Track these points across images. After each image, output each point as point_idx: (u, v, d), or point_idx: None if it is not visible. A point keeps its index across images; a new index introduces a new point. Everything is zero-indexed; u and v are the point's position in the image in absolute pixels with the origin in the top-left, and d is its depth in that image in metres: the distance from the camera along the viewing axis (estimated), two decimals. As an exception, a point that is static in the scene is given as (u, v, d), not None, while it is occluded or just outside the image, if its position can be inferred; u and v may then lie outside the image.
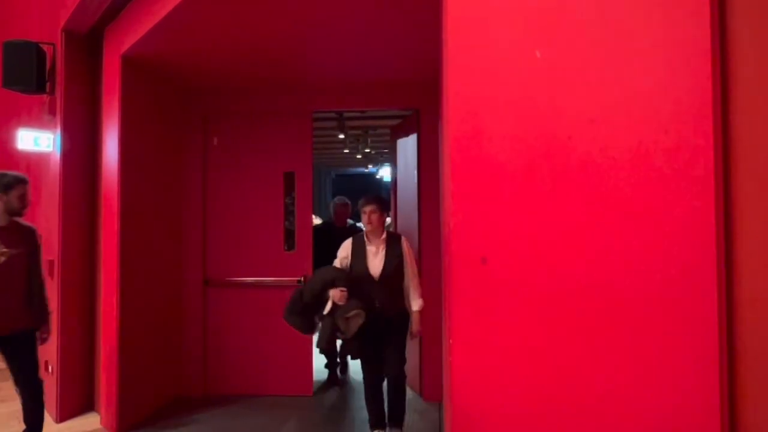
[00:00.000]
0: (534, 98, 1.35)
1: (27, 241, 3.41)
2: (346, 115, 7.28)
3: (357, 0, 3.01)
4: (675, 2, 1.10)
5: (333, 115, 7.14)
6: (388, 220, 4.49)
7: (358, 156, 11.28)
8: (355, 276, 3.54)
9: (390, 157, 6.04)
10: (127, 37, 3.72)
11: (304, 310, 3.62)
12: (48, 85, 4.18)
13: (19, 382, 3.42)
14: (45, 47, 4.16)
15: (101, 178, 4.12)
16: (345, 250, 3.70)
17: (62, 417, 4.05)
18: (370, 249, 3.63)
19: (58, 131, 4.12)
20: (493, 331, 1.44)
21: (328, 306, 3.47)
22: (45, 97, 4.32)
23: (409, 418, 4.12)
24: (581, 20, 1.26)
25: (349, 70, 4.31)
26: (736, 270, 1.02)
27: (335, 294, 3.41)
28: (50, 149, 4.28)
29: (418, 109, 4.75)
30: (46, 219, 4.22)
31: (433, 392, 4.39)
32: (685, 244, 1.07)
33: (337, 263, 3.68)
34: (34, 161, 4.80)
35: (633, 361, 1.15)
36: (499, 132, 1.42)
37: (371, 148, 10.59)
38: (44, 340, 3.48)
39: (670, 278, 1.09)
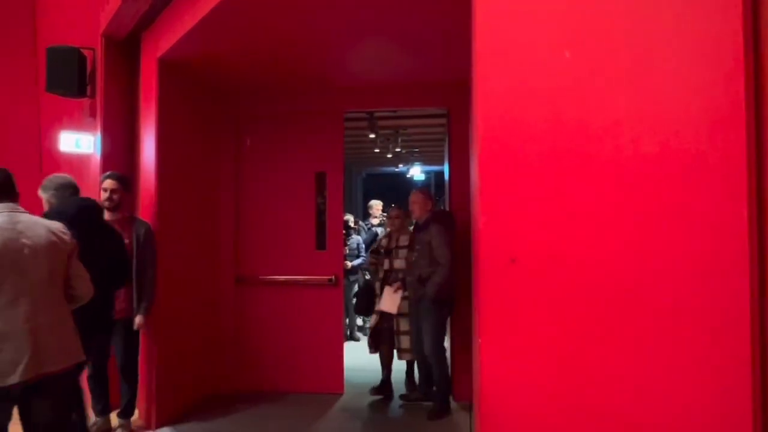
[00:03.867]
0: (563, 98, 1.34)
1: (132, 234, 3.69)
2: (376, 114, 7.31)
3: (388, 3, 3.02)
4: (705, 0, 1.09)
5: (364, 115, 7.17)
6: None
7: (389, 155, 11.31)
8: None
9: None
10: (163, 41, 3.82)
11: None
12: (88, 88, 4.32)
13: (120, 363, 3.77)
14: (85, 52, 4.30)
15: (139, 178, 4.24)
16: None
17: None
18: None
19: (98, 133, 4.25)
20: (523, 330, 1.44)
21: None
22: (86, 101, 4.46)
23: (439, 417, 4.13)
24: (610, 20, 1.25)
25: (381, 70, 4.34)
26: (771, 271, 1.01)
27: None
28: (91, 151, 4.42)
29: (449, 108, 4.74)
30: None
31: (463, 393, 4.38)
32: (717, 243, 1.06)
33: None
34: (76, 162, 4.96)
35: (664, 362, 1.14)
36: (528, 132, 1.42)
37: (402, 147, 10.60)
38: (139, 327, 3.72)
39: (701, 278, 1.08)
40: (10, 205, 2.42)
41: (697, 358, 1.08)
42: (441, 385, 4.17)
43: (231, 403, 4.48)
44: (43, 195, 3.16)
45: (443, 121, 5.56)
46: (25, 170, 7.02)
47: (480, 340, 1.56)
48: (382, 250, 4.74)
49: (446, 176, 5.23)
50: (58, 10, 5.94)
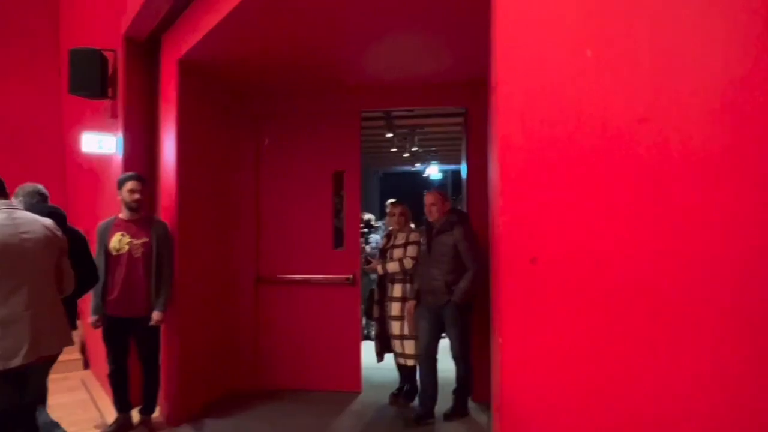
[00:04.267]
0: (585, 97, 1.34)
1: (151, 233, 3.79)
2: (394, 114, 7.31)
3: (406, 2, 3.02)
4: (733, -4, 1.07)
5: (381, 114, 7.18)
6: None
7: (406, 155, 11.31)
8: None
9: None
10: (183, 43, 3.86)
11: None
12: (110, 90, 4.38)
13: (142, 360, 3.86)
14: (107, 54, 4.36)
15: (160, 178, 4.30)
16: None
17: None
18: None
19: (120, 134, 4.31)
20: (544, 330, 1.43)
21: None
22: (107, 102, 4.53)
23: (459, 418, 4.13)
24: (632, 19, 1.24)
25: (398, 70, 4.34)
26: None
27: None
28: (112, 151, 4.48)
29: (467, 107, 4.73)
30: (108, 217, 4.42)
31: (482, 393, 4.37)
32: (745, 243, 1.04)
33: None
34: (97, 163, 5.04)
35: (689, 362, 1.13)
36: (549, 132, 1.41)
37: (419, 146, 10.59)
38: (156, 323, 3.77)
39: (727, 278, 1.07)
40: (7, 202, 2.66)
41: (726, 358, 1.07)
42: (464, 387, 4.13)
43: (250, 401, 4.52)
44: (13, 201, 3.26)
45: (460, 120, 5.55)
46: (49, 170, 7.15)
47: (500, 340, 1.56)
48: (377, 253, 4.48)
49: (463, 175, 5.21)
50: (81, 13, 6.04)
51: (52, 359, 2.76)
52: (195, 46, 3.69)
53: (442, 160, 13.40)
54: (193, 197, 4.19)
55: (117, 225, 3.77)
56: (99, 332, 3.80)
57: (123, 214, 3.80)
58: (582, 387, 1.35)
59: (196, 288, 4.21)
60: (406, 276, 4.32)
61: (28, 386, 2.65)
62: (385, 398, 4.52)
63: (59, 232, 2.76)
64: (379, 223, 7.70)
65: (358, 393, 4.70)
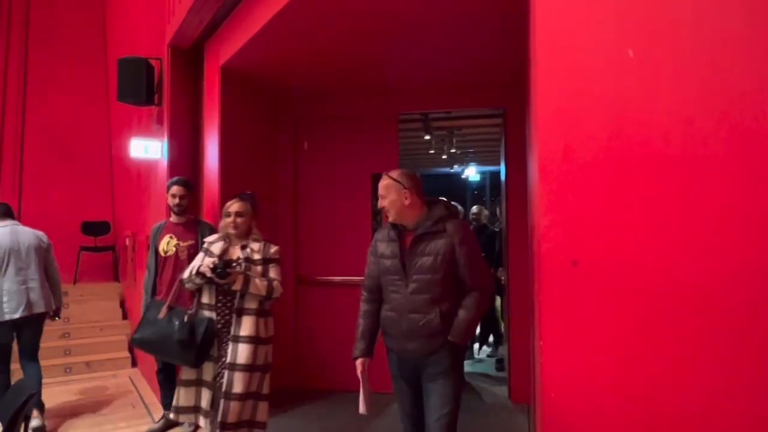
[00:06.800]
0: (627, 97, 1.32)
1: (197, 235, 3.91)
2: (431, 116, 7.30)
3: (444, 4, 3.03)
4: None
5: (418, 116, 7.18)
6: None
7: (444, 157, 11.26)
8: None
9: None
10: (225, 51, 3.97)
11: None
12: (156, 96, 4.53)
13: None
14: (153, 62, 4.51)
15: (203, 182, 4.41)
16: None
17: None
18: None
19: (165, 139, 4.44)
20: (585, 334, 1.42)
21: None
22: (153, 109, 4.68)
23: (497, 419, 4.10)
24: (675, 17, 1.22)
25: (435, 72, 4.34)
26: None
27: None
28: (158, 156, 4.63)
29: (505, 108, 4.70)
30: (156, 221, 4.57)
31: (521, 394, 4.33)
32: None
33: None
34: (144, 167, 5.21)
35: (735, 367, 1.11)
36: (591, 132, 1.40)
37: (457, 148, 10.54)
38: None
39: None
40: (13, 221, 4.20)
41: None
42: None
43: (289, 400, 4.58)
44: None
45: (499, 120, 5.50)
46: (97, 175, 7.39)
47: (541, 343, 1.55)
48: (218, 264, 3.00)
49: (502, 177, 5.16)
50: (127, 24, 6.26)
51: (39, 316, 4.12)
52: (236, 53, 3.78)
53: (480, 162, 13.29)
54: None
55: (167, 228, 3.92)
56: (147, 331, 3.93)
57: (172, 218, 3.94)
58: (625, 391, 1.33)
59: (238, 289, 4.29)
60: (263, 306, 3.14)
61: (25, 334, 4.08)
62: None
63: (45, 239, 4.27)
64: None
65: (397, 394, 4.71)
